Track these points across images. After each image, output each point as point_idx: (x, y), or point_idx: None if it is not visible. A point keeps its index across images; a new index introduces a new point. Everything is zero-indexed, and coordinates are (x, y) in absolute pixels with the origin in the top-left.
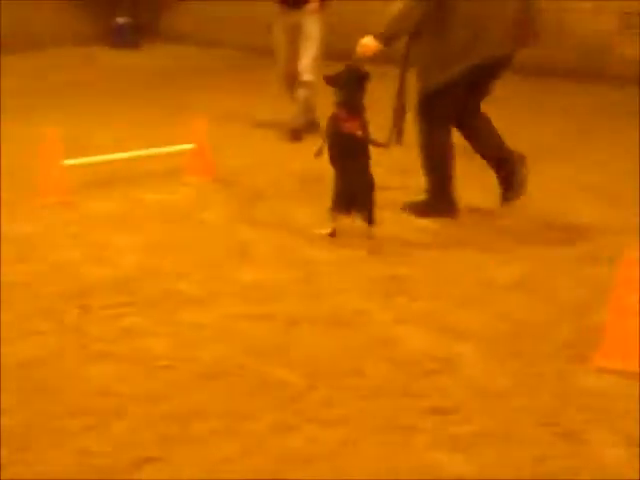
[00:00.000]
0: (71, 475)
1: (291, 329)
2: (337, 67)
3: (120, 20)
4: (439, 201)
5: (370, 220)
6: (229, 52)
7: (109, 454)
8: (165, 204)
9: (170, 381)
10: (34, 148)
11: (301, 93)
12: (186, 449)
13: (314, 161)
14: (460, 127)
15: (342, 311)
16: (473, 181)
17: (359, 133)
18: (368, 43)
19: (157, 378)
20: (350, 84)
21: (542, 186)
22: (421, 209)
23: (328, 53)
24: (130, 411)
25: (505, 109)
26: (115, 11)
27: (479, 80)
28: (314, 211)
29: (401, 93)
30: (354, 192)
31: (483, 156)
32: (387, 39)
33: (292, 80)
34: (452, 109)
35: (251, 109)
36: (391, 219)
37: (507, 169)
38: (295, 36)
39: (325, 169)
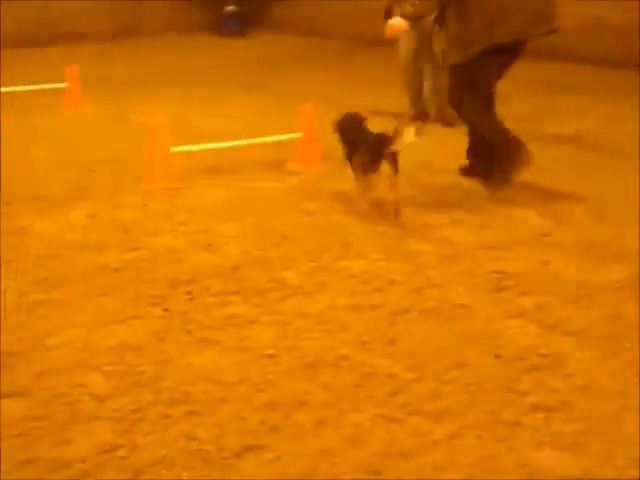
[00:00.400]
0: (176, 460)
1: (396, 321)
2: None
3: (228, 9)
4: (510, 153)
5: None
6: (333, 42)
7: (213, 440)
8: (271, 193)
9: (274, 370)
10: (142, 134)
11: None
12: (289, 438)
13: (418, 152)
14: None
15: (447, 304)
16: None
17: None
18: (397, 23)
19: (261, 366)
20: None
21: None
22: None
23: None
24: (234, 398)
25: None
26: (224, 0)
27: (496, 61)
28: (420, 201)
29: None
30: None
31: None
32: (412, 19)
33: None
34: (483, 83)
35: (357, 98)
36: (500, 214)
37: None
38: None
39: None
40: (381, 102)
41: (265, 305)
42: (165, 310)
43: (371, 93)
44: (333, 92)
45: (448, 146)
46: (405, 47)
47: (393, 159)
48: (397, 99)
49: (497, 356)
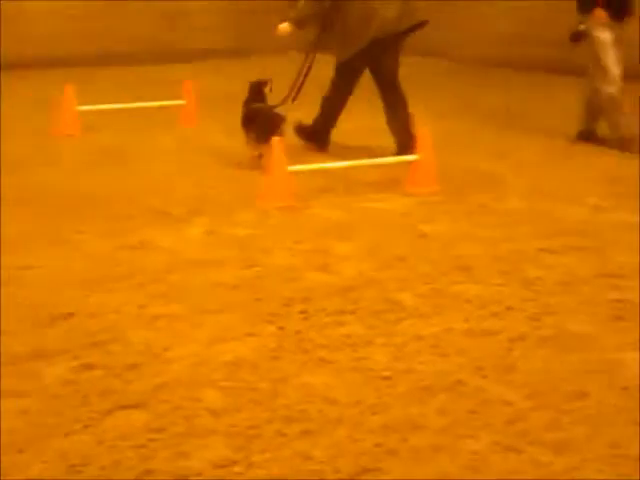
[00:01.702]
0: (290, 478)
1: (513, 347)
2: None
3: None
4: (319, 134)
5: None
6: (448, 62)
7: (329, 461)
8: (387, 214)
9: (389, 392)
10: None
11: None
12: (406, 462)
13: (548, 176)
14: (382, 95)
15: (566, 332)
16: None
17: None
18: (283, 26)
19: (376, 388)
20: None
21: None
22: (304, 132)
23: None
24: (349, 419)
25: None
26: None
27: (376, 54)
28: (538, 229)
29: (306, 66)
30: None
31: (388, 122)
32: (295, 23)
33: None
34: (355, 75)
35: (474, 121)
36: (621, 242)
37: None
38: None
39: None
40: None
41: (380, 326)
42: (280, 328)
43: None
44: (451, 116)
45: None
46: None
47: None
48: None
49: (624, 388)
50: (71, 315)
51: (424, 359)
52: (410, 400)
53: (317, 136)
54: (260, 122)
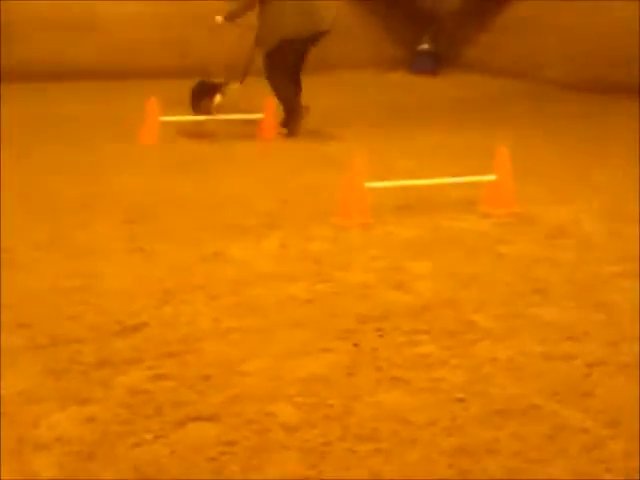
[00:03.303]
0: None
1: (590, 373)
2: None
3: (422, 47)
4: (295, 116)
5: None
6: (530, 84)
7: None
8: (463, 234)
9: (463, 414)
10: (334, 168)
11: None
12: None
13: (627, 199)
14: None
15: None
16: None
17: None
18: (217, 20)
19: (450, 410)
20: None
21: None
22: (290, 129)
23: None
24: (422, 440)
25: None
26: (420, 39)
27: (300, 48)
28: (616, 253)
29: (250, 54)
30: None
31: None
32: (229, 18)
33: None
34: (285, 63)
35: (553, 142)
36: None
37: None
38: None
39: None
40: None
41: (455, 347)
42: (355, 345)
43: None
44: (527, 135)
45: None
46: None
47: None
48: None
49: None
50: (145, 325)
51: (499, 382)
52: (484, 423)
53: (293, 121)
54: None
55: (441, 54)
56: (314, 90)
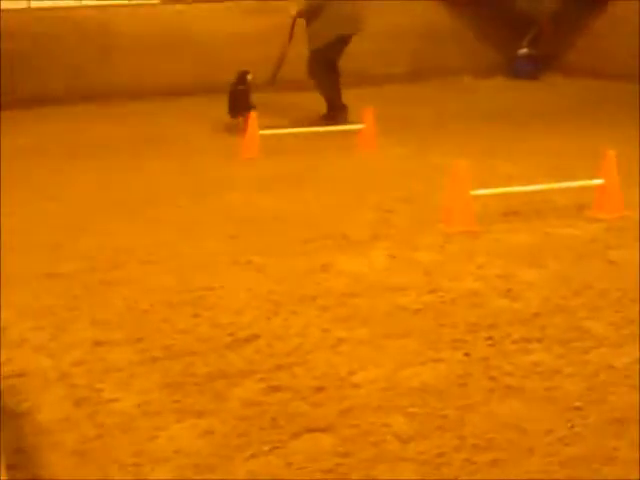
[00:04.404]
0: None
1: None
2: None
3: (522, 51)
4: (341, 110)
5: None
6: (628, 86)
7: None
8: (572, 239)
9: (581, 423)
10: (437, 176)
11: None
12: None
13: None
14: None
15: None
16: None
17: None
18: (292, 12)
19: (568, 419)
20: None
21: None
22: (329, 118)
23: None
24: (540, 450)
25: None
26: (520, 43)
27: (338, 48)
28: None
29: (283, 55)
30: None
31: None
32: (300, 14)
33: None
34: (333, 60)
35: None
36: None
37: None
38: None
39: None
40: None
41: (569, 355)
42: (466, 355)
43: None
44: (632, 138)
45: None
46: None
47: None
48: None
49: None
50: (256, 337)
51: (616, 390)
52: (603, 432)
53: (335, 115)
54: (231, 100)
55: (542, 58)
56: (411, 98)
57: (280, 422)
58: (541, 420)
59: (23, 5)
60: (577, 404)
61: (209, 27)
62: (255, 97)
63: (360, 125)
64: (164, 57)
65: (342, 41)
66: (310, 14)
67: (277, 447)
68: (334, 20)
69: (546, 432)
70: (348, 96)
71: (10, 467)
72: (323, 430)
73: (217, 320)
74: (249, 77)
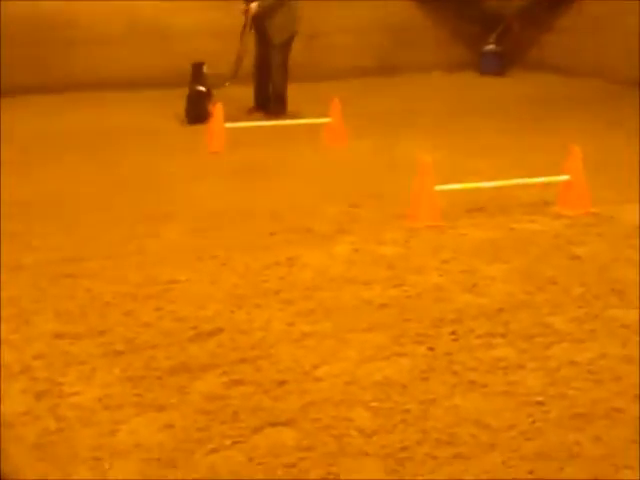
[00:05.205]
0: None
1: None
2: None
3: (488, 48)
4: (284, 102)
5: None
6: (599, 83)
7: None
8: (537, 235)
9: (543, 418)
10: (404, 171)
11: None
12: None
13: None
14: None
15: None
16: None
17: None
18: (253, 7)
19: (529, 414)
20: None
21: None
22: (274, 110)
23: None
24: (502, 445)
25: None
26: (486, 39)
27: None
28: None
29: (241, 48)
30: None
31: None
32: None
33: None
34: (288, 56)
35: (624, 141)
36: None
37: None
38: None
39: None
40: None
41: (532, 350)
42: (430, 349)
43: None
44: (600, 135)
45: None
46: None
47: None
48: None
49: None
50: (220, 330)
51: (578, 385)
52: (565, 427)
53: (284, 107)
54: (189, 104)
55: (507, 54)
56: (382, 93)
57: (242, 416)
58: (503, 415)
59: None
60: (539, 399)
61: (175, 19)
62: (217, 92)
63: (327, 119)
64: (129, 49)
65: (292, 40)
66: (270, 10)
67: (239, 441)
68: (293, 17)
69: (508, 427)
70: (316, 89)
71: None
72: (285, 424)
73: (180, 313)
74: (204, 69)
